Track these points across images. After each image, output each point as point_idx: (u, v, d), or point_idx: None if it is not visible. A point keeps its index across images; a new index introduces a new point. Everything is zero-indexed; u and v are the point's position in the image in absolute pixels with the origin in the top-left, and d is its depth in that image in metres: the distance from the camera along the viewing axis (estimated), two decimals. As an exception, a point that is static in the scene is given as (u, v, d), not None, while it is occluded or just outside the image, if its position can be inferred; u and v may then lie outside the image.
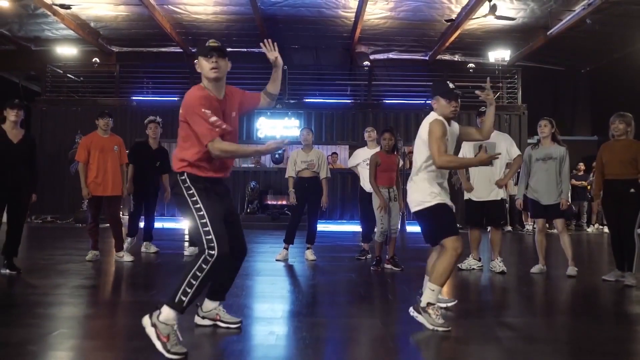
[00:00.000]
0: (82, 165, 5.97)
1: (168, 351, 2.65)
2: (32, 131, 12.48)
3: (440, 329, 3.26)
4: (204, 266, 2.75)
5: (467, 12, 11.79)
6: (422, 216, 3.56)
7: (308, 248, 6.50)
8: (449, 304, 3.97)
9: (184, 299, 2.74)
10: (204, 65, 2.93)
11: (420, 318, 3.35)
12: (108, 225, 6.18)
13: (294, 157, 6.52)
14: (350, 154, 7.93)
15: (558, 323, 3.77)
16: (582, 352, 3.04)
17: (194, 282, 2.74)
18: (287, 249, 6.42)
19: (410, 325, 3.35)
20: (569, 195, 5.58)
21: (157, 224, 7.66)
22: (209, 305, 3.25)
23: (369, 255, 6.44)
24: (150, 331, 2.72)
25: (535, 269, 5.59)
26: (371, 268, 5.75)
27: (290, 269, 5.92)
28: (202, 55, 2.94)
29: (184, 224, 9.93)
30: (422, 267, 6.26)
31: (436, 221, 3.49)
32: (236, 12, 12.76)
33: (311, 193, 6.41)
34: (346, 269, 6.02)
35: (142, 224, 6.91)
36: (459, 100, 3.61)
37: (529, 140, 12.99)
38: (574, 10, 11.53)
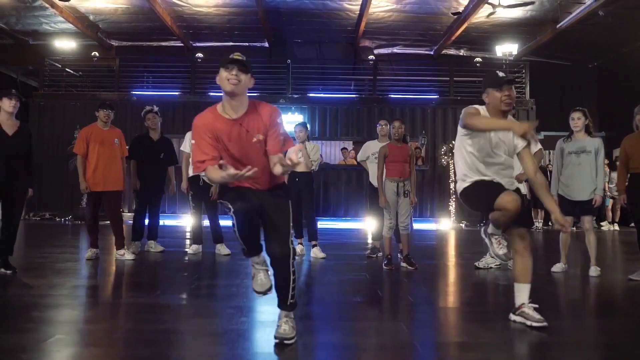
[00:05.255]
0: (80, 158, 5.71)
1: None
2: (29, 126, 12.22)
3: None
4: None
5: (475, 4, 11.51)
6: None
7: (314, 245, 6.28)
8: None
9: None
10: (222, 77, 2.69)
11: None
12: (108, 222, 5.92)
13: None
14: (356, 151, 7.70)
15: (589, 325, 3.52)
16: (620, 356, 2.79)
17: None
18: (301, 243, 6.42)
19: (437, 329, 3.10)
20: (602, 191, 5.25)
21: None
22: None
23: (380, 253, 6.19)
24: None
25: (556, 268, 5.32)
26: (384, 267, 5.49)
27: (298, 268, 5.66)
28: (222, 67, 2.70)
29: (186, 222, 9.69)
30: (433, 265, 6.09)
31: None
32: (238, 5, 12.47)
33: (302, 188, 6.27)
34: (357, 267, 5.77)
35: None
36: (512, 87, 3.26)
37: (537, 137, 12.73)
38: (585, 3, 11.26)
